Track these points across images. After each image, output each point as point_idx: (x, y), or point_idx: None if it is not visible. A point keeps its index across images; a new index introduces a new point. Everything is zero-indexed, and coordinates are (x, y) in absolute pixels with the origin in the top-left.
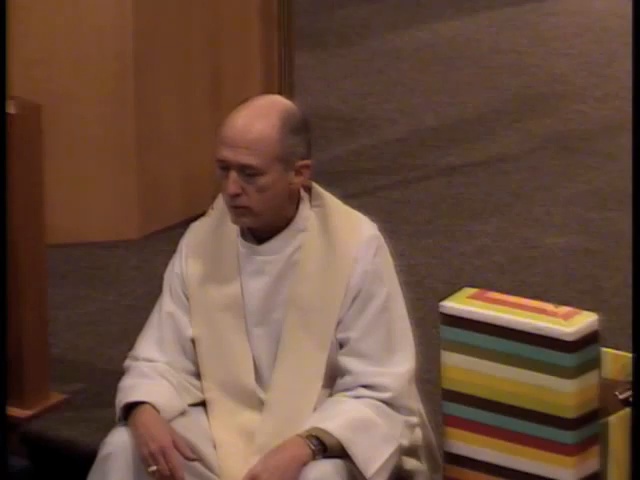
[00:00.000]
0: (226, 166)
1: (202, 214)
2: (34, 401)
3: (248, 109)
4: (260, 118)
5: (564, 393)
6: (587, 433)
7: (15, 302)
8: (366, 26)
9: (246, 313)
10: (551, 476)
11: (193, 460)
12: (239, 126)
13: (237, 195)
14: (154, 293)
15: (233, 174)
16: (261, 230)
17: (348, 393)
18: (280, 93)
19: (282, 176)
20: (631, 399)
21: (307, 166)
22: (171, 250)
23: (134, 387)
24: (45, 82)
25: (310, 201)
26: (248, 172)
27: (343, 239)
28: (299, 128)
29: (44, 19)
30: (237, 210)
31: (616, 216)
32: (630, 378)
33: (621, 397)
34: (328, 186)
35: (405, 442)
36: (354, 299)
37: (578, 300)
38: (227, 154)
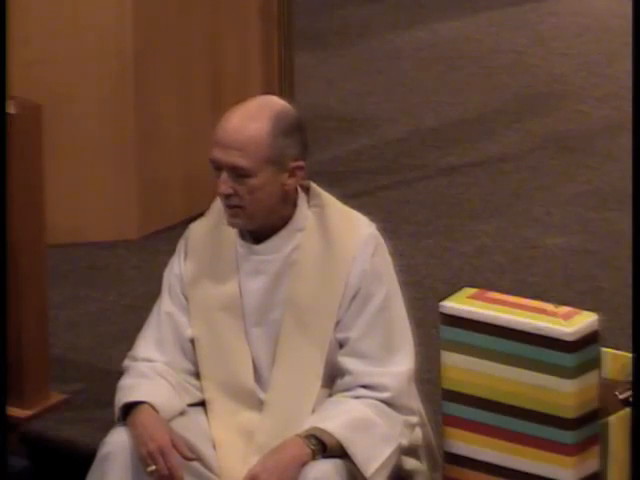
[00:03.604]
0: (218, 166)
1: (202, 214)
2: (34, 401)
3: (240, 111)
4: (251, 120)
5: (564, 393)
6: (587, 433)
7: (15, 302)
8: (366, 26)
9: (245, 313)
10: (551, 476)
11: (192, 460)
12: (231, 128)
13: (228, 195)
14: (154, 293)
15: (224, 174)
16: (259, 230)
17: (348, 393)
18: (280, 93)
19: (274, 177)
20: (631, 399)
21: (300, 167)
22: (171, 250)
23: (133, 387)
24: (45, 82)
25: (308, 201)
26: (239, 173)
27: (341, 238)
28: (291, 129)
29: (44, 19)
30: (230, 210)
31: (616, 216)
32: (630, 378)
33: (621, 397)
34: (328, 186)
35: (405, 442)
36: (353, 298)
37: (578, 300)
38: (218, 154)
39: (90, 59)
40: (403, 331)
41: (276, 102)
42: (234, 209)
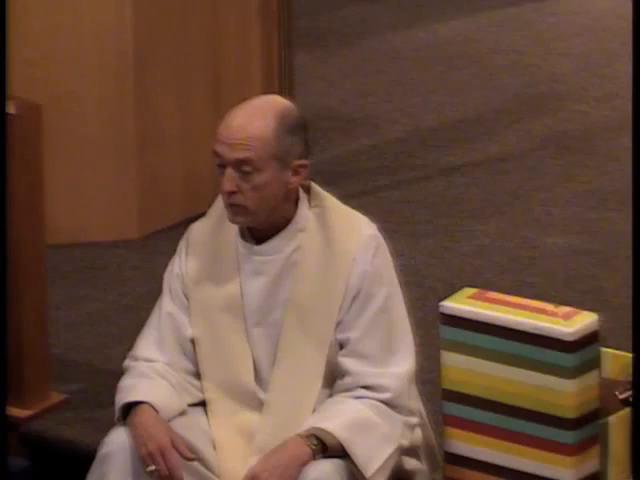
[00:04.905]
0: (222, 163)
1: (202, 214)
2: (34, 401)
3: (244, 109)
4: (256, 118)
5: (564, 393)
6: (587, 433)
7: (15, 302)
8: (366, 26)
9: (245, 313)
10: (551, 476)
11: (192, 460)
12: (236, 125)
13: (232, 193)
14: (154, 293)
15: (229, 171)
16: (260, 230)
17: (348, 394)
18: (280, 93)
19: (278, 175)
20: (631, 399)
21: (304, 166)
22: (171, 250)
23: (133, 387)
24: (45, 82)
25: (309, 201)
26: (244, 169)
27: (342, 239)
28: (296, 128)
29: (44, 19)
30: (233, 208)
31: (616, 216)
32: (630, 378)
33: (621, 397)
34: (328, 186)
35: (405, 442)
36: (353, 299)
37: (578, 300)
38: (223, 150)
39: (90, 59)
40: (403, 332)
41: (279, 101)
42: (237, 207)
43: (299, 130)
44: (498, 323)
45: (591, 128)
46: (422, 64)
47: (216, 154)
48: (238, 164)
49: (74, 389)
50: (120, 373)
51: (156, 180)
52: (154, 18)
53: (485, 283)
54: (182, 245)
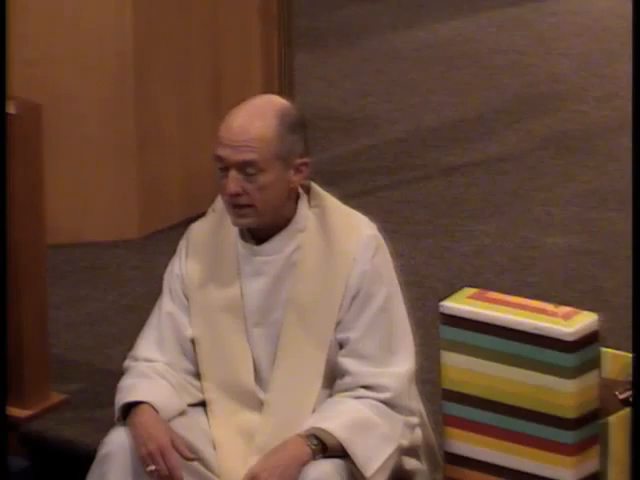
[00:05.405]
0: (225, 166)
1: (202, 214)
2: (34, 401)
3: (245, 109)
4: (257, 117)
5: (564, 393)
6: (587, 433)
7: (15, 302)
8: (366, 26)
9: (246, 313)
10: (551, 476)
11: (192, 460)
12: (237, 126)
13: (237, 194)
14: (154, 293)
15: (233, 173)
16: (260, 230)
17: (348, 394)
18: (280, 93)
19: (282, 174)
20: (631, 399)
21: (306, 163)
22: (171, 250)
23: (133, 387)
24: (45, 82)
25: (309, 201)
26: (248, 171)
27: (342, 239)
28: (296, 126)
29: (44, 19)
30: (238, 210)
31: (616, 216)
32: (630, 378)
33: (621, 397)
34: (328, 186)
35: (405, 442)
36: (353, 299)
37: (578, 300)
38: (226, 153)
39: (90, 59)
40: (403, 332)
41: (278, 100)
42: (243, 209)
43: (299, 128)
44: (498, 323)
45: (591, 128)
46: (422, 64)
47: (218, 158)
48: (242, 166)
49: (74, 389)
50: (120, 373)
51: (156, 180)
52: (154, 18)
53: (485, 283)
54: (182, 245)
